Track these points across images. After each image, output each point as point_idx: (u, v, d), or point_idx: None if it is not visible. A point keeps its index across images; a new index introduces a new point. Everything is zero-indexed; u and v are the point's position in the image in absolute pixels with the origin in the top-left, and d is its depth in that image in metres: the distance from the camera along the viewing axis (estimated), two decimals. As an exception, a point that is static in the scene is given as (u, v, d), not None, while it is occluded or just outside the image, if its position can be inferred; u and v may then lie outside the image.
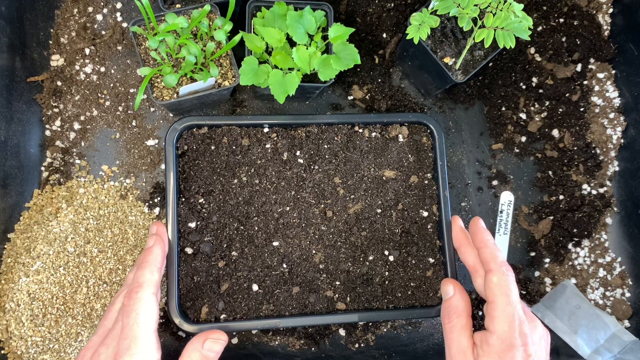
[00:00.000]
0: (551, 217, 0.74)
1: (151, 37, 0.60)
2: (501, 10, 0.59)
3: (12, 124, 0.66)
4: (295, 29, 0.60)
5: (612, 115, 0.76)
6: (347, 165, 0.68)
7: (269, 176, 0.66)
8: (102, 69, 0.70)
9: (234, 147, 0.66)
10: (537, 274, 0.74)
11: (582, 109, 0.76)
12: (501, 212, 0.75)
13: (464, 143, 0.76)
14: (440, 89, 0.72)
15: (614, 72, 0.77)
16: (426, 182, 0.69)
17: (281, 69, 0.60)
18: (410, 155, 0.69)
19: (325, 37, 0.64)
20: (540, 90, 0.76)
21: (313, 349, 0.69)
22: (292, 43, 0.63)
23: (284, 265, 0.65)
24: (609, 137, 0.76)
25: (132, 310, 0.51)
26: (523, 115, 0.76)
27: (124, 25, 0.71)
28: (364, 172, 0.68)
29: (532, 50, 0.76)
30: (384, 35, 0.75)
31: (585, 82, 0.77)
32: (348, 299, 0.65)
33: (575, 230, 0.74)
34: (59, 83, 0.69)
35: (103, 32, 0.71)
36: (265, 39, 0.59)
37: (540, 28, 0.77)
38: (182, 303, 0.62)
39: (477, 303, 0.59)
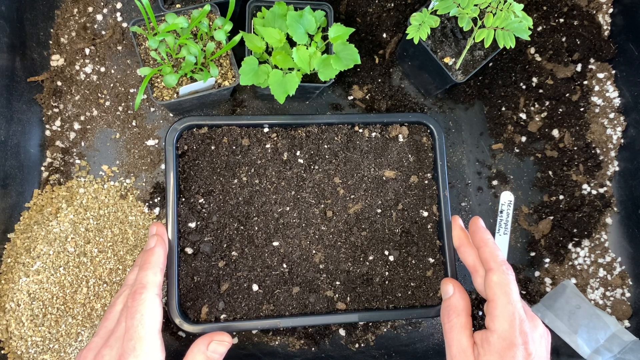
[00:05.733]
0: (551, 217, 0.74)
1: (151, 37, 0.60)
2: (501, 10, 0.59)
3: (12, 124, 0.66)
4: (295, 29, 0.60)
5: (612, 115, 0.76)
6: (347, 165, 0.68)
7: (269, 176, 0.66)
8: (102, 69, 0.70)
9: (234, 147, 0.66)
10: (537, 274, 0.74)
11: (582, 109, 0.76)
12: (501, 212, 0.75)
13: (464, 143, 0.76)
14: (440, 89, 0.72)
15: (614, 72, 0.77)
16: (426, 182, 0.69)
17: (281, 69, 0.60)
18: (410, 155, 0.69)
19: (325, 37, 0.64)
20: (540, 90, 0.76)
21: (313, 349, 0.69)
22: (292, 43, 0.63)
23: (284, 265, 0.65)
24: (609, 137, 0.76)
25: (137, 312, 0.51)
26: (523, 115, 0.76)
27: (124, 25, 0.71)
28: (364, 172, 0.68)
29: (532, 50, 0.76)
30: (384, 35, 0.75)
31: (585, 82, 0.77)
32: (348, 299, 0.65)
33: (575, 230, 0.74)
34: (59, 83, 0.69)
35: (103, 32, 0.71)
36: (265, 39, 0.59)
37: (540, 28, 0.77)
38: (182, 303, 0.62)
39: (477, 303, 0.59)
